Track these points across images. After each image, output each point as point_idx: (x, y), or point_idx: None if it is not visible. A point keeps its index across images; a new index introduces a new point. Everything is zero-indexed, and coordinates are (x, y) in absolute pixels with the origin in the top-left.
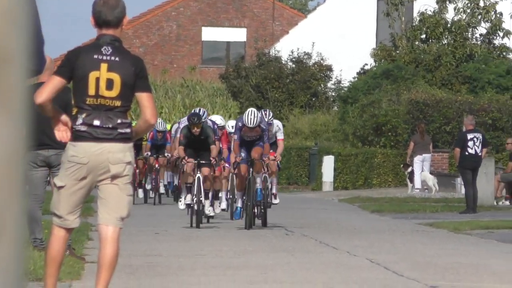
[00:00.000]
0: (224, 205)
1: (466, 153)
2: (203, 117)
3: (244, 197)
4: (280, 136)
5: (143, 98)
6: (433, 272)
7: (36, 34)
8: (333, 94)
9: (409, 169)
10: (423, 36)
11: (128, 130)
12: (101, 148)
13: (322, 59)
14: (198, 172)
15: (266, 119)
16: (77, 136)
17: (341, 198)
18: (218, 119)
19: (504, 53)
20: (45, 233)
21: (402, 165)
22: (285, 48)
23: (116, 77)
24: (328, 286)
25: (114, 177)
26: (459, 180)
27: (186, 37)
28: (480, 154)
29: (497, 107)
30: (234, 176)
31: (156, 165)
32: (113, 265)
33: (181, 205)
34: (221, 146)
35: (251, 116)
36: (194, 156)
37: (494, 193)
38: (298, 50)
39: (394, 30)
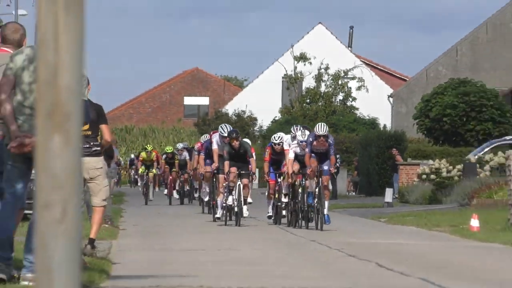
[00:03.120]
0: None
1: None
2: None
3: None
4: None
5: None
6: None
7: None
8: (258, 134)
9: None
10: (308, 100)
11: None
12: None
13: (251, 114)
14: (239, 181)
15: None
16: None
17: None
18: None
19: (352, 110)
20: None
21: None
22: (231, 108)
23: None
24: None
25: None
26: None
27: (175, 102)
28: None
29: (349, 140)
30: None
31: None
32: (100, 223)
33: (218, 214)
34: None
35: (321, 126)
36: (235, 167)
37: (347, 188)
38: (238, 109)
39: (291, 97)
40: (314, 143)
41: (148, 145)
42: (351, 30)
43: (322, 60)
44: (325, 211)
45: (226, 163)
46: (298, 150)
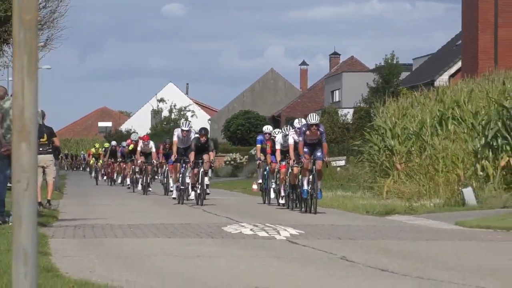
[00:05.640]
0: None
1: None
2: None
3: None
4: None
5: None
6: None
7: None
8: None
9: None
10: (165, 123)
11: None
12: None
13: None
14: (202, 168)
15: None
16: None
17: None
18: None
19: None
20: None
21: None
22: (124, 128)
23: None
24: None
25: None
26: None
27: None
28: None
29: None
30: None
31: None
32: (52, 190)
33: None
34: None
35: (313, 116)
36: (196, 157)
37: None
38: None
39: (156, 121)
40: (307, 132)
41: (96, 144)
42: (187, 84)
43: (172, 101)
44: (319, 191)
45: (192, 153)
46: (295, 136)
